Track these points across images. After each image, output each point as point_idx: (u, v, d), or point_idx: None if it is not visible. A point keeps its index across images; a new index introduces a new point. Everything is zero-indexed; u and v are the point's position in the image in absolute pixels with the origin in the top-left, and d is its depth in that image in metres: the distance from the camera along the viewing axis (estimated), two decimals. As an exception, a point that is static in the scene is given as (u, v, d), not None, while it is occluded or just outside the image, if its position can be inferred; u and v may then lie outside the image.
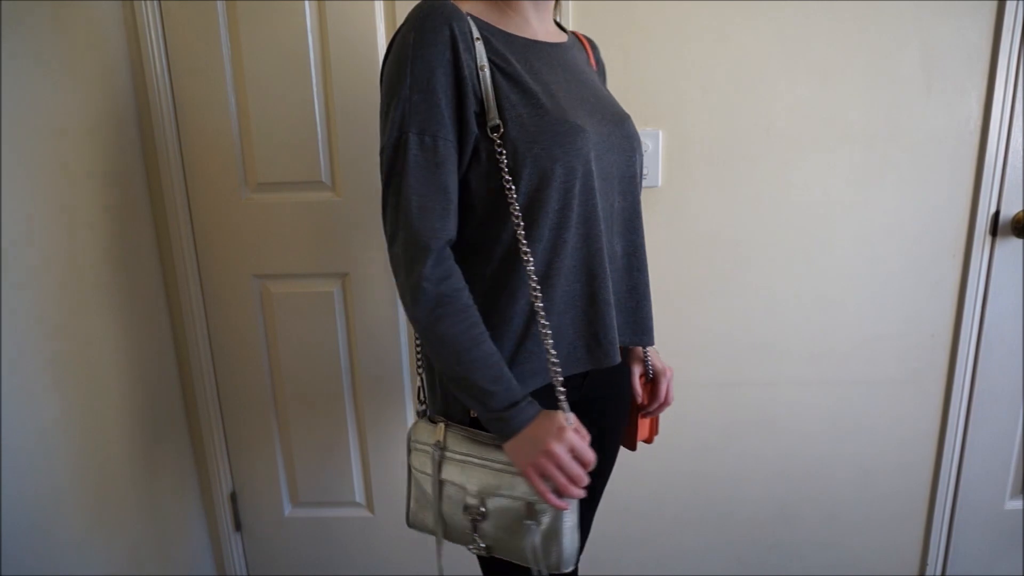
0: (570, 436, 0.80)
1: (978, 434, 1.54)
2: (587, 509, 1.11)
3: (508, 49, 0.85)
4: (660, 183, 1.41)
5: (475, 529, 0.87)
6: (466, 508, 0.87)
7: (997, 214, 1.42)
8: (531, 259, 0.83)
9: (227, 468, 1.64)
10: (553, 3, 0.95)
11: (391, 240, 0.83)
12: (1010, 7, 1.30)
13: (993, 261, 1.44)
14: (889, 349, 1.50)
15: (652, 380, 1.10)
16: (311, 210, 1.45)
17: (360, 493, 1.65)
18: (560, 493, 0.81)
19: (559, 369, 0.85)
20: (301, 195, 1.45)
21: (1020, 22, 1.31)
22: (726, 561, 1.67)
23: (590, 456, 0.82)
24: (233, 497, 1.66)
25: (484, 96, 0.81)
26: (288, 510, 1.67)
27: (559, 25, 1.03)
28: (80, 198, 1.23)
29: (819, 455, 1.58)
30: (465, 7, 0.85)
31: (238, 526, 1.69)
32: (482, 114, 0.82)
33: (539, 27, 0.92)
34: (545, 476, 0.81)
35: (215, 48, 1.37)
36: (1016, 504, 1.60)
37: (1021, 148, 1.38)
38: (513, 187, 0.82)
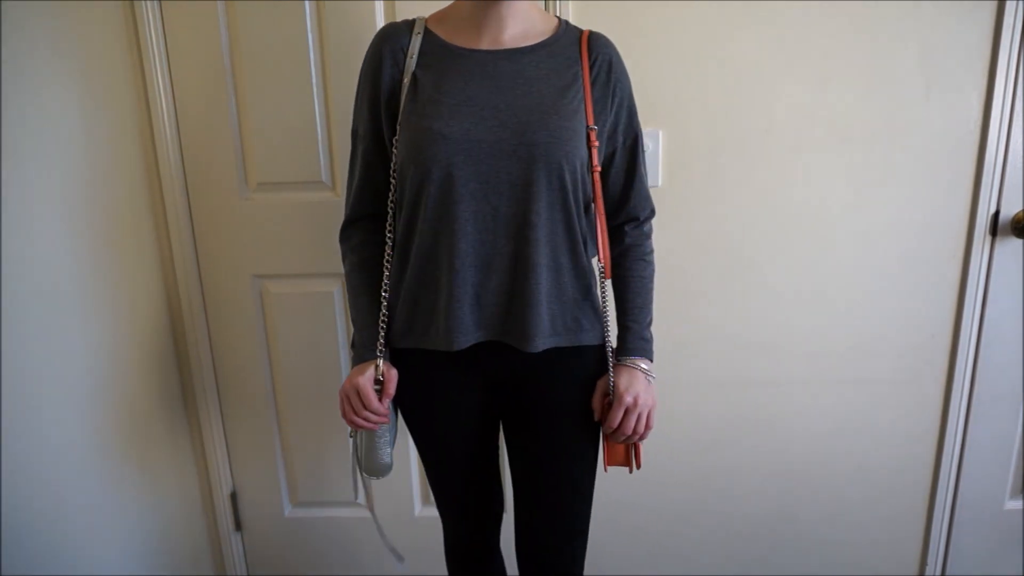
0: (357, 381, 1.01)
1: (978, 434, 1.54)
2: (537, 492, 1.14)
3: (438, 59, 0.99)
4: (660, 183, 1.40)
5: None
6: None
7: (997, 214, 1.42)
8: (390, 241, 1.04)
9: (227, 468, 1.64)
10: (512, 6, 0.98)
11: None
12: (1010, 7, 1.30)
13: (993, 261, 1.44)
14: (889, 349, 1.50)
15: (611, 403, 1.04)
16: (311, 210, 1.45)
17: (360, 494, 1.65)
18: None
19: (383, 327, 1.05)
20: (301, 195, 1.45)
21: (1020, 22, 1.31)
22: (725, 560, 1.67)
23: (371, 403, 1.01)
24: (233, 497, 1.66)
25: (399, 105, 0.99)
26: (288, 510, 1.68)
27: (565, 23, 1.04)
28: (80, 198, 1.23)
29: (819, 455, 1.58)
30: (429, 20, 1.03)
31: (238, 526, 1.69)
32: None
33: (488, 35, 0.99)
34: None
35: (215, 48, 1.37)
36: (1016, 504, 1.60)
37: (1021, 148, 1.38)
38: (393, 180, 1.02)
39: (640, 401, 1.03)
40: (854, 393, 1.53)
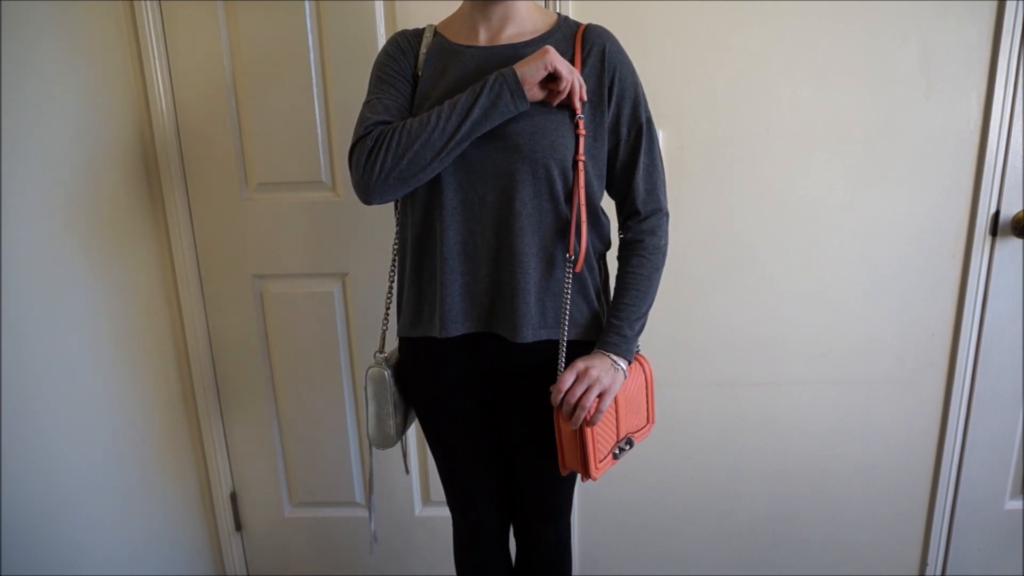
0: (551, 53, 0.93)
1: (978, 434, 1.54)
2: (522, 471, 1.15)
3: (439, 58, 1.03)
4: (660, 183, 1.40)
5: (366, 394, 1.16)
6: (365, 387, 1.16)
7: (997, 214, 1.42)
8: (396, 236, 1.10)
9: (227, 468, 1.64)
10: (509, 5, 0.99)
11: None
12: (1010, 7, 1.30)
13: (993, 261, 1.44)
14: (889, 349, 1.50)
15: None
16: (311, 210, 1.45)
17: (360, 493, 1.65)
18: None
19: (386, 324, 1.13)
20: (301, 195, 1.45)
21: (1020, 22, 1.31)
22: (726, 560, 1.67)
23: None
24: (233, 497, 1.66)
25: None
26: (288, 510, 1.68)
27: (563, 19, 1.05)
28: (80, 198, 1.23)
29: (819, 455, 1.58)
30: (439, 25, 1.07)
31: (238, 526, 1.69)
32: None
33: (485, 32, 1.02)
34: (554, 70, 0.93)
35: (215, 48, 1.37)
36: (1016, 504, 1.60)
37: (1021, 148, 1.38)
38: None
39: (592, 373, 0.96)
40: (854, 393, 1.53)
